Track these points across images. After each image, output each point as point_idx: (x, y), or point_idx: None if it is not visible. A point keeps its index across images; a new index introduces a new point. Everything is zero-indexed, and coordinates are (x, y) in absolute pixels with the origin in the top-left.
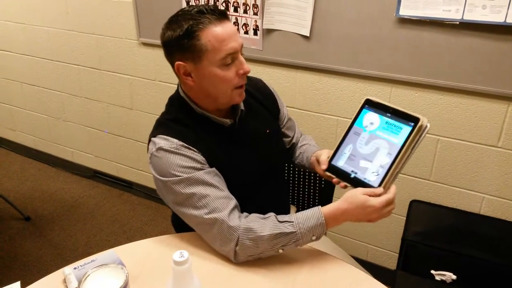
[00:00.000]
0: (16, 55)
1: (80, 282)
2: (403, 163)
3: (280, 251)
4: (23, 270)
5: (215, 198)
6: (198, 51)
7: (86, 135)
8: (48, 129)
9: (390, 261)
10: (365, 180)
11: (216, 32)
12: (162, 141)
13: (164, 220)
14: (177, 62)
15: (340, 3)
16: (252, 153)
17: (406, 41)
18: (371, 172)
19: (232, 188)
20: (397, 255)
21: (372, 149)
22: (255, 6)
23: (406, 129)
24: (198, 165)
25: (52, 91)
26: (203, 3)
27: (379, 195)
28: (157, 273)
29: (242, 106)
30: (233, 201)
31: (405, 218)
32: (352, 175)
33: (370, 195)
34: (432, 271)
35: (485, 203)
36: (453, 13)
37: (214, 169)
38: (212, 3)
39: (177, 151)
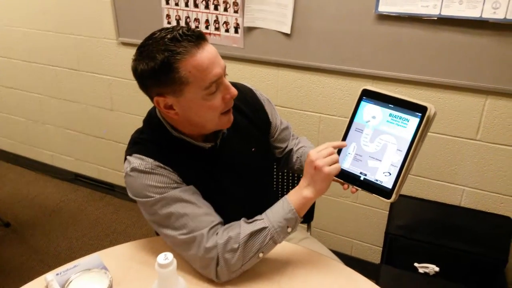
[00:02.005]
0: None
1: None
2: (414, 158)
3: (260, 255)
4: (3, 277)
5: (194, 217)
6: (178, 84)
7: (66, 137)
8: (27, 132)
9: (374, 255)
10: (377, 182)
11: (197, 61)
12: (137, 160)
13: (147, 222)
14: (155, 98)
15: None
16: (235, 173)
17: (386, 37)
18: (382, 173)
19: (216, 209)
20: (381, 249)
21: (379, 147)
22: (235, 3)
23: (413, 121)
24: (174, 184)
25: (30, 93)
26: (183, 3)
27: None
28: (142, 276)
29: (225, 129)
30: (212, 217)
31: (387, 212)
32: (362, 178)
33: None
34: (415, 264)
35: (465, 196)
36: (431, 9)
37: (191, 186)
38: (193, 2)
39: (152, 171)
